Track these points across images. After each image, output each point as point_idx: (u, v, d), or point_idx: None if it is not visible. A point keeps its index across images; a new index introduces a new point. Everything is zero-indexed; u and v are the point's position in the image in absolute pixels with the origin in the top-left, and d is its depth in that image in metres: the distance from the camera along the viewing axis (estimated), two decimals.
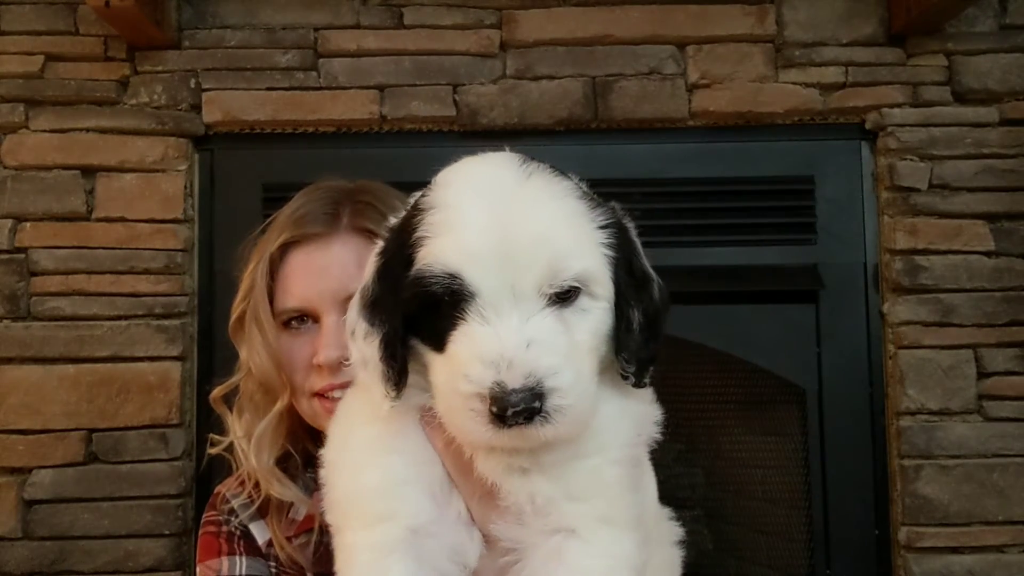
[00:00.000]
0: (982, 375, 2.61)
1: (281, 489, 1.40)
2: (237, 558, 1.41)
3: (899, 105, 2.67)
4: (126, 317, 2.59)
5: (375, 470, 0.98)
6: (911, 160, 2.65)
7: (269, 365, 1.39)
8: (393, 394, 0.97)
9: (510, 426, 0.87)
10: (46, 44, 2.64)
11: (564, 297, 0.93)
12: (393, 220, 1.06)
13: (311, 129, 2.71)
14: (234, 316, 1.47)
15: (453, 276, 0.90)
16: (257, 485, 1.42)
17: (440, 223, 0.93)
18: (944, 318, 2.62)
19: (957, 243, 2.63)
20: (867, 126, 2.71)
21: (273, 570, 1.41)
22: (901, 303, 2.63)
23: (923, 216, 2.64)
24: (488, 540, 1.01)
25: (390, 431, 1.00)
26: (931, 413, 2.60)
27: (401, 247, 0.97)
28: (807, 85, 2.70)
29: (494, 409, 0.87)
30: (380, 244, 1.06)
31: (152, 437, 2.56)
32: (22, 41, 2.64)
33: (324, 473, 1.08)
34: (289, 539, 1.40)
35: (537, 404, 0.87)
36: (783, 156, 2.73)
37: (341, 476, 1.03)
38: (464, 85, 2.68)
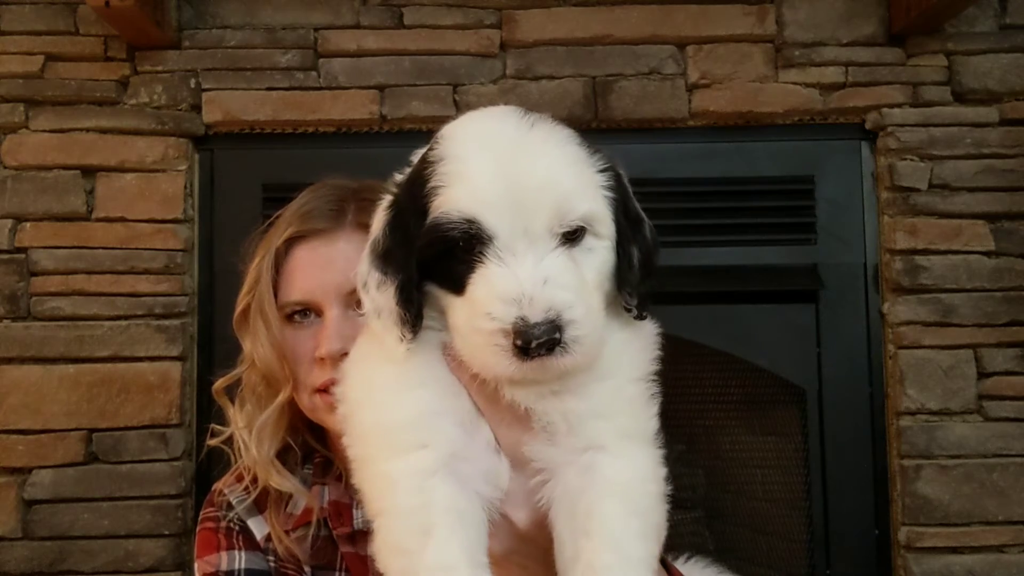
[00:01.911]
0: (982, 375, 2.61)
1: (280, 480, 1.40)
2: (236, 553, 1.41)
3: (899, 105, 2.67)
4: (126, 317, 2.59)
5: (406, 403, 1.02)
6: (911, 160, 2.65)
7: (273, 357, 1.40)
8: (409, 337, 1.01)
9: (532, 358, 0.93)
10: (46, 44, 2.64)
11: (572, 237, 0.99)
12: (399, 176, 1.09)
13: (311, 129, 2.71)
14: (239, 309, 1.47)
15: (470, 222, 0.95)
16: (255, 478, 1.42)
17: (453, 173, 0.98)
18: (944, 318, 2.62)
19: (957, 243, 2.63)
20: (867, 126, 2.71)
21: (272, 564, 1.41)
22: (901, 303, 2.63)
23: (923, 216, 2.64)
24: (515, 464, 1.05)
25: (415, 367, 1.04)
26: (931, 413, 2.60)
27: (414, 198, 1.01)
28: (807, 85, 2.70)
29: (518, 343, 0.92)
30: (387, 199, 1.08)
31: (152, 437, 2.56)
32: (22, 41, 2.64)
33: (345, 410, 1.11)
34: (287, 532, 1.40)
35: (557, 336, 0.93)
36: (783, 156, 2.73)
37: (370, 410, 1.06)
38: (464, 85, 2.68)
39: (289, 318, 1.43)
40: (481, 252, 0.95)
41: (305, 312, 1.42)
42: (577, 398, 1.01)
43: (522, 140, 1.00)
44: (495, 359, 0.95)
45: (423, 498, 0.98)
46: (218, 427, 1.51)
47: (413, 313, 1.01)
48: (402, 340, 1.01)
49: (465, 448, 1.02)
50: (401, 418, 1.02)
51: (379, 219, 1.08)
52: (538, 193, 0.96)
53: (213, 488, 1.51)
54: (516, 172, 0.96)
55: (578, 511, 1.00)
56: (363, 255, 1.09)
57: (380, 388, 1.05)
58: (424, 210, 0.98)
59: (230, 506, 1.45)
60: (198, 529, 1.46)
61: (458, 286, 0.98)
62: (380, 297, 1.04)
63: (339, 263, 1.38)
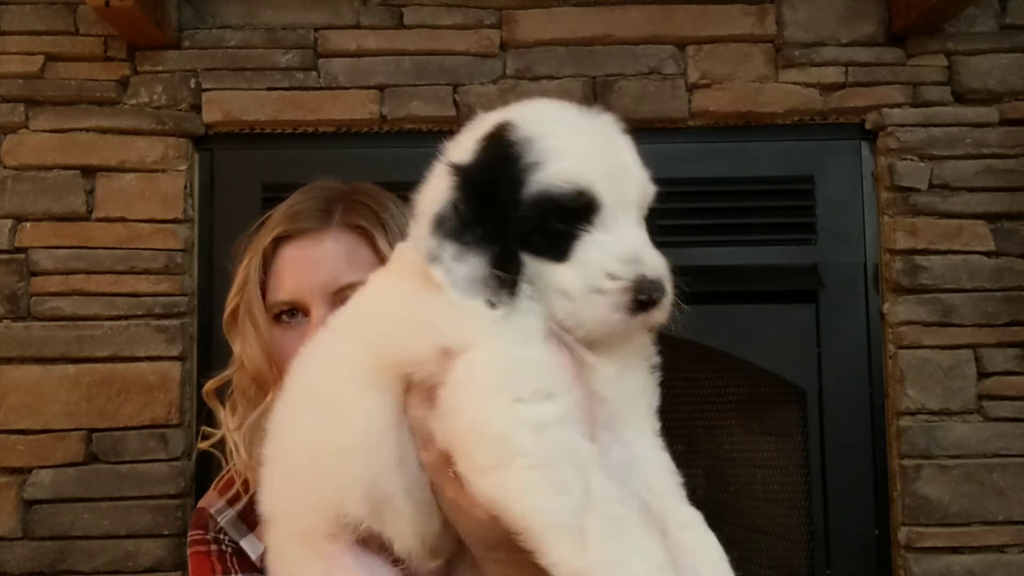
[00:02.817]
0: (982, 375, 2.60)
1: None
2: None
3: (899, 105, 2.67)
4: (126, 317, 2.59)
5: (531, 349, 1.05)
6: (911, 160, 2.65)
7: (261, 358, 1.39)
8: (509, 302, 1.04)
9: (640, 312, 1.02)
10: (46, 44, 2.64)
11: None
12: (464, 157, 1.08)
13: (311, 129, 2.71)
14: (227, 310, 1.47)
15: (581, 192, 1.02)
16: (246, 483, 1.41)
17: (554, 149, 1.05)
18: (944, 318, 2.62)
19: (957, 243, 2.63)
20: (867, 126, 2.70)
21: None
22: (901, 303, 2.63)
23: (923, 216, 2.64)
24: None
25: (526, 324, 1.06)
26: (931, 413, 2.60)
27: (508, 175, 1.05)
28: (807, 85, 2.70)
29: (642, 297, 1.01)
30: (450, 178, 1.07)
31: (152, 437, 2.56)
32: (22, 41, 2.64)
33: (454, 346, 1.06)
34: None
35: (663, 292, 1.03)
36: (783, 156, 2.72)
37: (496, 353, 1.04)
38: (464, 85, 2.68)
39: (277, 318, 1.42)
40: (588, 221, 1.03)
41: (293, 312, 1.41)
42: (634, 381, 1.09)
43: (601, 125, 1.11)
44: (612, 315, 1.02)
45: (572, 443, 1.00)
46: (209, 430, 1.50)
47: (516, 278, 1.04)
48: (495, 306, 1.03)
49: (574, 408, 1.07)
50: (531, 362, 1.03)
51: (442, 195, 1.07)
52: (632, 171, 1.08)
53: (199, 507, 1.48)
54: (612, 152, 1.07)
55: (633, 478, 1.06)
56: (418, 231, 1.07)
57: (502, 336, 1.04)
58: (519, 184, 1.04)
59: (221, 529, 1.42)
60: (189, 552, 1.44)
61: (561, 253, 1.04)
62: (462, 268, 1.04)
63: (326, 263, 1.38)
